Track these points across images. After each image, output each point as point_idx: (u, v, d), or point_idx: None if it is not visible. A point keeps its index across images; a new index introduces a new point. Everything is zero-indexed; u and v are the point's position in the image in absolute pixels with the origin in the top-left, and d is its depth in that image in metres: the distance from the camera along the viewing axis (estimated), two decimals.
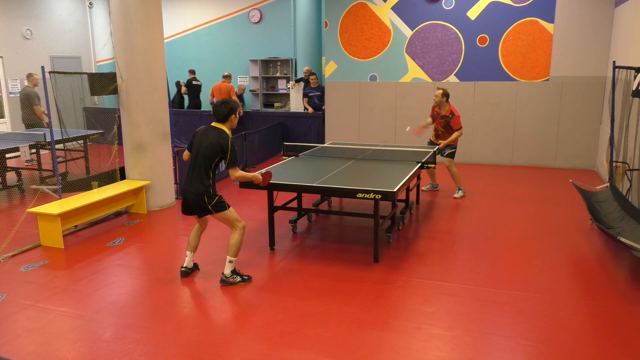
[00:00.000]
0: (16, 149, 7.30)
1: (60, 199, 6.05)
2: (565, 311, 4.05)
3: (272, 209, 5.42)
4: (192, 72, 12.69)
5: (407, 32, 9.86)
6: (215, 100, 10.97)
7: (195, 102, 12.70)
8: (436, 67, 9.80)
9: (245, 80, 13.47)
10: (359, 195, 4.72)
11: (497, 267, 4.93)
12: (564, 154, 9.31)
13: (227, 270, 4.55)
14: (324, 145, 7.44)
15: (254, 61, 13.33)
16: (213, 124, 4.51)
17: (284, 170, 5.78)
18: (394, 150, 6.65)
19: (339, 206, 7.13)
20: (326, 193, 5.72)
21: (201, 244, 5.28)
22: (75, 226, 6.11)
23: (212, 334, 3.76)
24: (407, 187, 6.42)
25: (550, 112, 9.25)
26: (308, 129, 11.24)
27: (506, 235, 5.86)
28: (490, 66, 9.45)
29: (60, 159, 8.56)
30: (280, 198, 5.71)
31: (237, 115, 4.56)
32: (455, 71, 9.69)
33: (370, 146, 7.20)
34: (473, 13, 9.38)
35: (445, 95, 7.22)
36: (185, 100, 12.89)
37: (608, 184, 6.36)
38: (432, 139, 7.58)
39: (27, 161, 9.08)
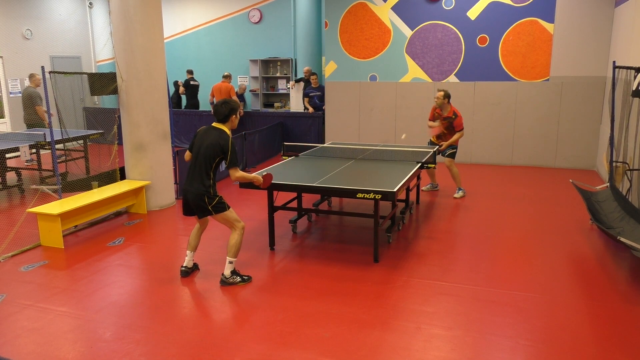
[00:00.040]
0: (16, 149, 7.30)
1: (60, 199, 6.05)
2: (565, 311, 4.05)
3: (272, 209, 5.42)
4: (190, 72, 12.72)
5: (407, 32, 9.86)
6: (215, 100, 10.97)
7: (193, 102, 12.72)
8: (436, 67, 9.80)
9: (245, 80, 13.47)
10: (359, 195, 4.72)
11: (497, 267, 4.93)
12: (564, 154, 9.31)
13: (227, 271, 4.55)
14: (324, 145, 7.44)
15: (254, 61, 13.33)
16: (214, 124, 4.51)
17: (284, 170, 5.78)
18: (394, 150, 6.65)
19: (339, 206, 7.13)
20: (326, 193, 5.72)
21: (201, 244, 5.28)
22: (75, 226, 6.11)
23: (212, 334, 3.76)
24: (407, 187, 6.42)
25: (550, 112, 9.25)
26: (308, 129, 11.24)
27: (506, 235, 5.86)
28: (490, 66, 9.45)
29: (61, 159, 8.57)
30: (280, 198, 5.71)
31: (238, 116, 4.56)
32: (455, 71, 9.69)
33: (370, 146, 7.20)
34: (473, 13, 9.39)
35: (447, 96, 7.22)
36: (182, 100, 12.90)
37: (608, 184, 6.36)
38: (432, 139, 7.58)
39: (27, 161, 9.08)
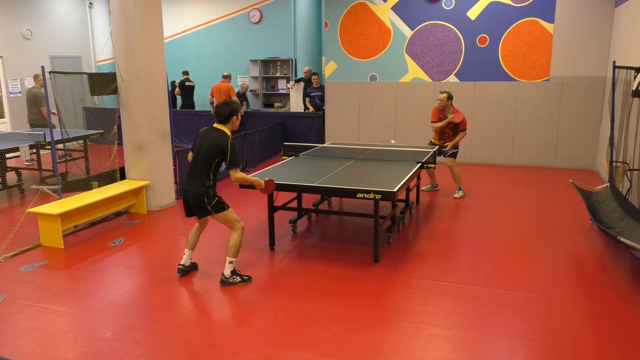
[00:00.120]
0: (16, 149, 7.31)
1: (60, 199, 6.05)
2: (565, 311, 4.05)
3: (272, 209, 5.42)
4: (186, 73, 12.75)
5: (407, 32, 9.86)
6: (214, 100, 10.97)
7: (188, 102, 12.75)
8: (436, 67, 9.80)
9: (245, 80, 13.47)
10: (359, 195, 4.72)
11: (497, 267, 4.93)
12: (564, 154, 9.31)
13: (227, 271, 4.55)
14: (324, 145, 7.44)
15: (254, 61, 13.33)
16: (215, 125, 4.52)
17: (284, 170, 5.78)
18: (394, 150, 6.65)
19: (339, 206, 7.13)
20: (326, 193, 5.72)
21: (201, 244, 5.29)
22: (75, 226, 6.11)
23: (212, 334, 3.76)
24: (407, 187, 6.42)
25: (550, 112, 9.25)
26: (308, 129, 11.24)
27: (506, 235, 5.86)
28: (490, 66, 9.45)
29: (62, 159, 8.58)
30: (280, 198, 5.71)
31: (239, 117, 4.56)
32: (455, 71, 9.69)
33: (370, 146, 7.20)
34: (473, 13, 9.39)
35: (450, 98, 7.21)
36: (178, 101, 12.90)
37: (608, 184, 6.36)
38: (433, 140, 7.56)
39: (27, 161, 9.09)
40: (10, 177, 8.55)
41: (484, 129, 9.67)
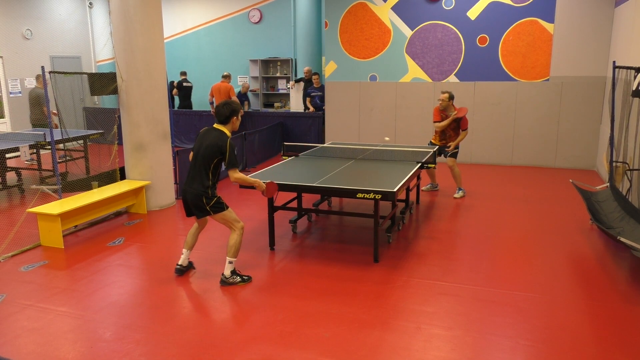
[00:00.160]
0: (16, 149, 7.31)
1: (60, 199, 6.05)
2: (565, 311, 4.05)
3: (272, 209, 5.42)
4: (184, 73, 12.77)
5: (407, 32, 9.86)
6: (214, 100, 10.97)
7: (186, 103, 12.76)
8: (436, 67, 9.80)
9: (245, 79, 13.46)
10: (359, 195, 4.72)
11: (497, 267, 4.93)
12: (564, 154, 9.31)
13: (227, 271, 4.55)
14: (324, 145, 7.44)
15: (254, 61, 13.33)
16: (215, 125, 4.52)
17: (284, 170, 5.78)
18: (394, 150, 6.65)
19: (339, 206, 7.13)
20: (326, 193, 5.72)
21: (201, 244, 5.29)
22: (75, 226, 6.11)
23: (212, 334, 3.76)
24: (407, 187, 6.42)
25: (550, 112, 9.25)
26: (308, 129, 11.24)
27: (506, 235, 5.86)
28: (490, 66, 9.45)
29: (62, 159, 8.58)
30: (280, 198, 5.71)
31: (239, 117, 4.56)
32: (455, 71, 9.69)
33: (370, 146, 7.20)
34: (473, 13, 9.38)
35: (452, 98, 7.21)
36: (175, 101, 12.91)
37: (608, 184, 6.36)
38: (433, 140, 7.56)
39: (27, 161, 9.10)
40: (10, 177, 8.55)
41: (484, 129, 9.67)
